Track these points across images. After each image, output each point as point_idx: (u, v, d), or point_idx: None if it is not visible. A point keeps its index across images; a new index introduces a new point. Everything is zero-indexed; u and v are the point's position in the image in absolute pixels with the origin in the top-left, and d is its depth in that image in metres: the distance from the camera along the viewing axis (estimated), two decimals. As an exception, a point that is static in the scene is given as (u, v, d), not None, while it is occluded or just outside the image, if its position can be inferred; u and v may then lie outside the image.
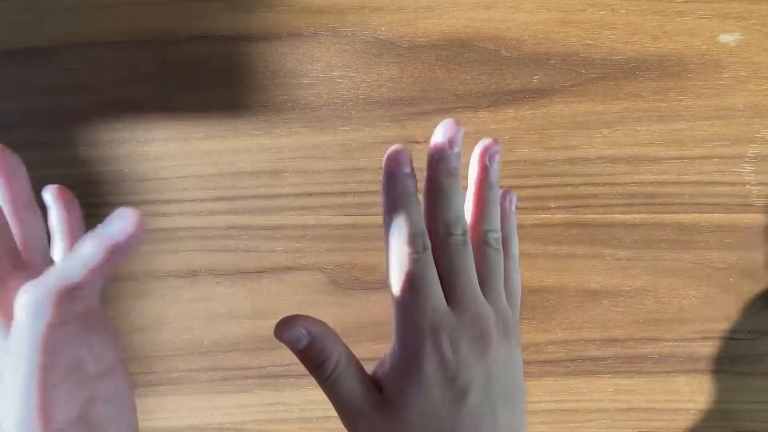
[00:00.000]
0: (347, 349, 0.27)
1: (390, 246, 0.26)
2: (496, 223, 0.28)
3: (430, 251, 0.26)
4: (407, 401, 0.25)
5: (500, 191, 0.29)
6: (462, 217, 0.27)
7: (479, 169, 0.28)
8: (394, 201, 0.26)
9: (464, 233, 0.27)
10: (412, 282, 0.26)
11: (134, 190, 0.35)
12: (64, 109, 0.35)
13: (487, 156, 0.28)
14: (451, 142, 0.26)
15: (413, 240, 0.26)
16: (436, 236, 0.27)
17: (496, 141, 0.28)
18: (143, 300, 0.35)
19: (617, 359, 0.36)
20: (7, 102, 0.35)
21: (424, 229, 0.26)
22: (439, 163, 0.26)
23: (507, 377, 0.27)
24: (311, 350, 0.26)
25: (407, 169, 0.26)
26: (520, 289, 0.30)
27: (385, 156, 0.26)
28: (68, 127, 0.35)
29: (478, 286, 0.27)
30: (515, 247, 0.30)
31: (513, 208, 0.31)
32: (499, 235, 0.28)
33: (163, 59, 0.35)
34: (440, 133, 0.27)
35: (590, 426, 0.36)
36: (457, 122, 0.27)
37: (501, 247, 0.28)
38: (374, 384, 0.26)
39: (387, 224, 0.26)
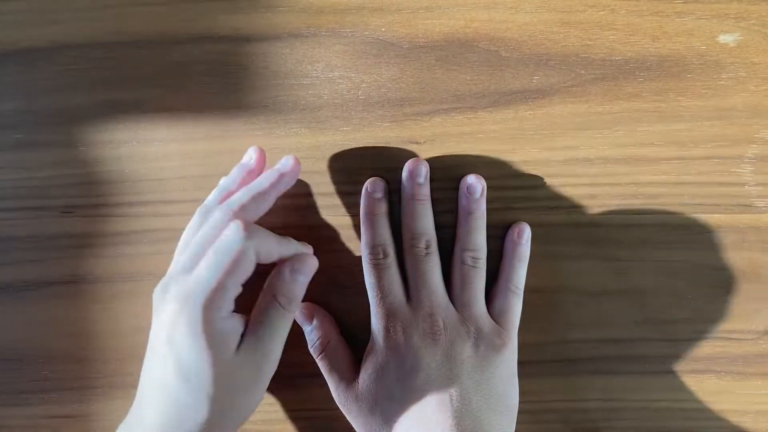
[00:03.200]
0: (339, 335, 0.35)
1: (362, 253, 0.34)
2: (474, 244, 0.34)
3: (391, 258, 0.34)
4: (368, 377, 0.33)
5: (516, 225, 0.35)
6: (426, 233, 0.34)
7: (464, 202, 0.34)
8: (364, 218, 0.34)
9: (427, 246, 0.33)
10: (374, 281, 0.33)
11: (134, 190, 0.35)
12: (64, 109, 0.35)
13: (469, 190, 0.34)
14: (414, 175, 0.34)
15: (375, 249, 0.33)
16: (405, 247, 0.34)
17: (478, 178, 0.34)
18: (143, 300, 0.35)
19: (617, 359, 0.36)
20: (7, 102, 0.35)
21: (387, 240, 0.34)
22: (408, 192, 0.34)
23: (473, 375, 0.32)
24: (313, 332, 0.34)
25: (378, 195, 0.34)
26: (512, 309, 0.34)
27: (365, 183, 0.34)
28: (68, 127, 0.35)
29: (442, 292, 0.34)
30: (516, 274, 0.35)
31: (523, 240, 0.35)
32: (475, 254, 0.34)
33: (164, 59, 0.35)
34: (407, 170, 0.34)
35: (590, 426, 0.36)
36: (419, 159, 0.34)
37: (478, 265, 0.34)
38: (355, 365, 0.34)
39: (361, 237, 0.34)
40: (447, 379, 0.31)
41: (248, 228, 0.29)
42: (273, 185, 0.32)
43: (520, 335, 0.35)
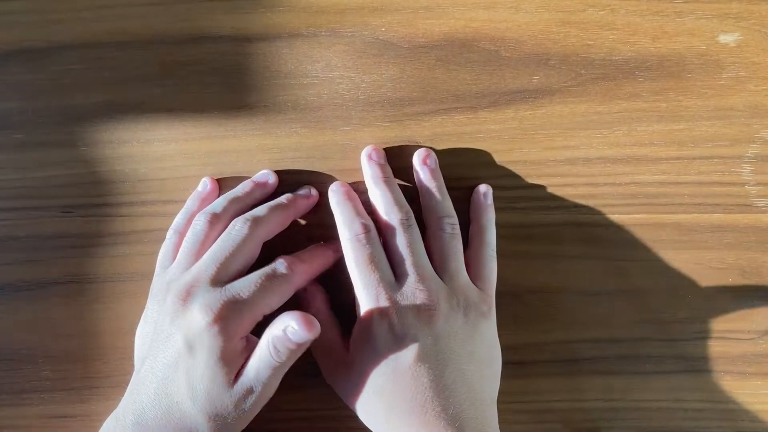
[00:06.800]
0: (329, 310, 0.34)
1: (341, 237, 0.33)
2: (448, 210, 0.34)
3: (373, 234, 0.32)
4: (362, 358, 0.31)
5: (480, 186, 0.35)
6: (403, 204, 0.33)
7: (423, 171, 0.34)
8: (338, 202, 0.34)
9: (407, 219, 0.32)
10: (360, 259, 0.32)
11: (134, 190, 0.35)
12: (64, 109, 0.35)
13: (427, 160, 0.34)
14: (370, 156, 0.34)
15: (354, 225, 0.32)
16: (382, 224, 0.33)
17: (429, 149, 0.35)
18: (143, 300, 0.35)
19: (617, 359, 0.36)
20: (7, 102, 0.35)
21: (367, 217, 0.33)
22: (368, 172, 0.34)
23: (466, 345, 0.31)
24: (302, 304, 0.34)
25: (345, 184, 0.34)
26: (493, 272, 0.34)
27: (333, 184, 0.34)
28: (68, 127, 0.35)
29: (428, 264, 0.32)
30: (490, 236, 0.34)
31: (489, 201, 0.35)
32: (452, 220, 0.33)
33: (163, 59, 0.35)
34: (364, 154, 0.34)
35: (590, 426, 0.36)
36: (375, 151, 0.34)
37: (456, 231, 0.33)
38: (345, 343, 0.33)
39: (337, 221, 0.33)
40: (443, 353, 0.31)
41: (293, 262, 0.32)
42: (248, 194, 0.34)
43: (519, 335, 0.35)
